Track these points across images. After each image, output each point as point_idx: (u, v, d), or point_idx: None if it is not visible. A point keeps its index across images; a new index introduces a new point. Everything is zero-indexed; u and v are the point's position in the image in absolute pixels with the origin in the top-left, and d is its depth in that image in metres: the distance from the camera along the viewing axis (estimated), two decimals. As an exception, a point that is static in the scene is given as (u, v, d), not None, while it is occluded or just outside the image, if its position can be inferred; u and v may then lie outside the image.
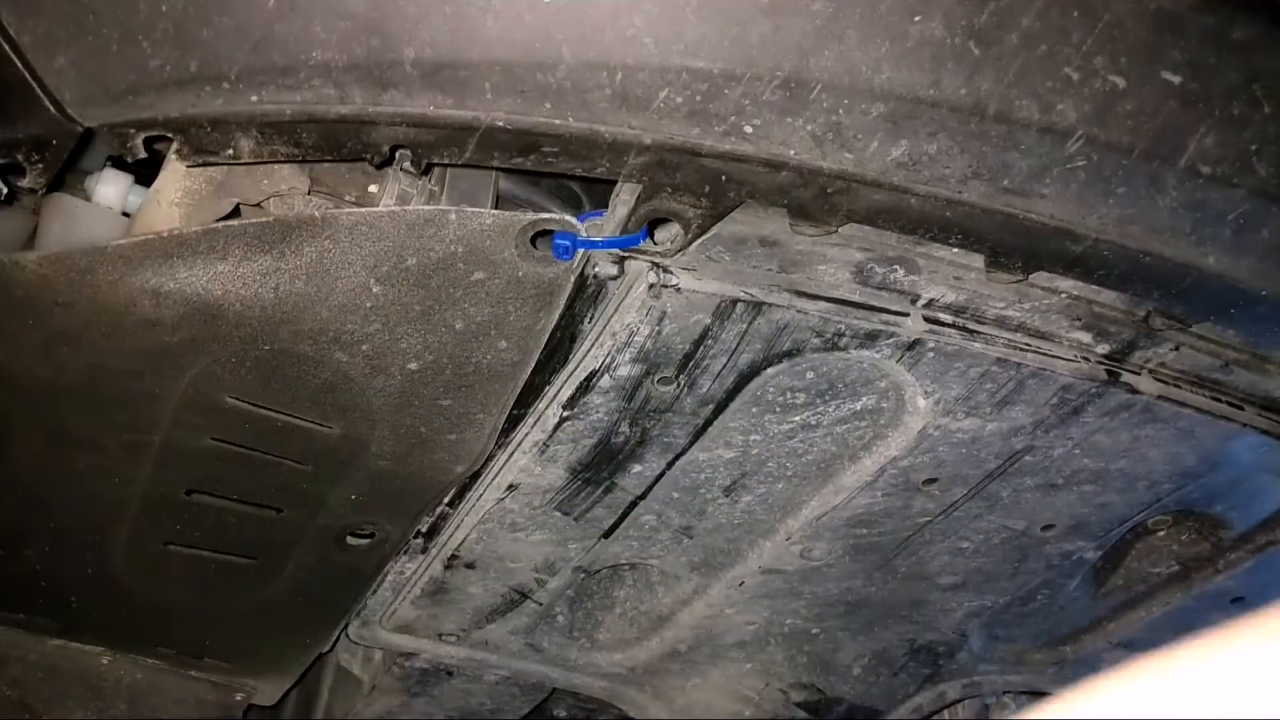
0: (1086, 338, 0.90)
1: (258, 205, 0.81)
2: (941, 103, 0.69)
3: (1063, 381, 0.89)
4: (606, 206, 0.79)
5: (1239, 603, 1.21)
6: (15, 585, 1.15)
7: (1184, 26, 0.70)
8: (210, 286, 0.77)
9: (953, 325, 0.86)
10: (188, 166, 0.76)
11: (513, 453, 0.97)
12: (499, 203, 0.87)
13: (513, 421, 0.94)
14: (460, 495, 1.04)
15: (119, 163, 0.82)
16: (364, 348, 0.83)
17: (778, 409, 0.92)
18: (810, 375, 0.89)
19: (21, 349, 0.81)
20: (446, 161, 0.74)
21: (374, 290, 0.79)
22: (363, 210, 0.78)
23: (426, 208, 0.78)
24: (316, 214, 0.76)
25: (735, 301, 0.80)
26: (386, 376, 0.86)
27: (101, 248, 0.75)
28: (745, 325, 0.82)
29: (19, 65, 0.65)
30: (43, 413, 0.89)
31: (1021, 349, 0.88)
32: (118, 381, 0.85)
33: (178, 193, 0.79)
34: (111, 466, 0.95)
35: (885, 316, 0.84)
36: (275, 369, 0.85)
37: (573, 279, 0.80)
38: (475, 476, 1.00)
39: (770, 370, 0.87)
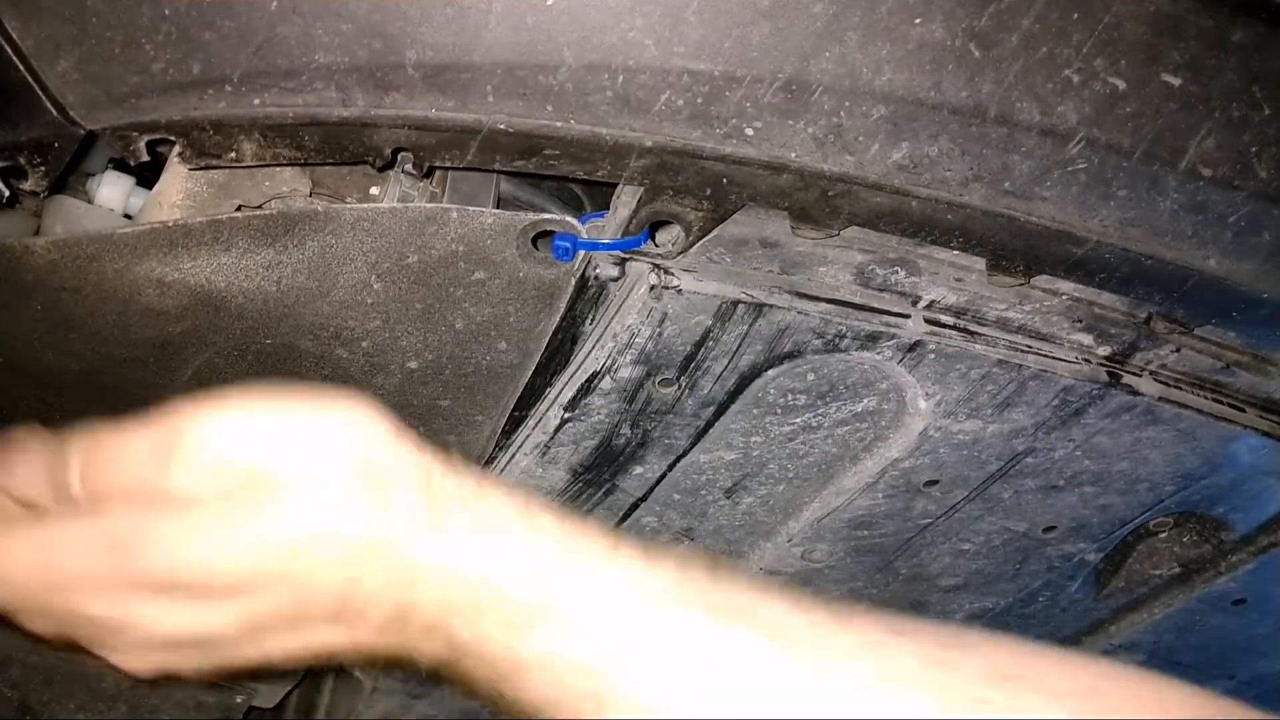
0: (1088, 339, 0.90)
1: (259, 208, 0.82)
2: (943, 105, 0.69)
3: (1064, 383, 0.89)
4: (608, 208, 0.79)
5: (1240, 605, 1.21)
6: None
7: (1184, 28, 0.70)
8: (214, 278, 0.77)
9: (954, 327, 0.86)
10: (190, 169, 0.76)
11: (514, 454, 0.97)
12: (500, 205, 0.87)
13: (514, 423, 0.94)
14: (461, 497, 1.04)
15: (121, 165, 0.83)
16: (364, 344, 0.84)
17: (779, 410, 0.92)
18: (811, 377, 0.89)
19: (29, 334, 0.82)
20: (448, 164, 0.74)
21: (375, 287, 0.79)
22: (365, 206, 0.78)
23: (429, 205, 0.78)
24: (319, 208, 0.77)
25: (736, 303, 0.80)
26: (386, 375, 0.87)
27: (108, 234, 0.75)
28: (746, 327, 0.82)
29: (21, 69, 0.65)
30: (48, 402, 0.89)
31: (1023, 351, 0.88)
32: (122, 371, 0.85)
33: (179, 195, 0.79)
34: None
35: (886, 318, 0.84)
36: (277, 364, 0.85)
37: (573, 281, 0.80)
38: (476, 478, 1.01)
39: (771, 372, 0.87)
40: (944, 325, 0.86)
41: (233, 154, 0.71)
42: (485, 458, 0.97)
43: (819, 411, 0.93)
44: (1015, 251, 0.80)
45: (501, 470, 0.99)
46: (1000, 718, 0.48)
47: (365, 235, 0.76)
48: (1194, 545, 1.17)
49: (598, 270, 0.80)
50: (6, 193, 0.74)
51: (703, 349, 0.84)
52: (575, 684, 0.49)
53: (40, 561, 0.51)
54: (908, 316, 0.85)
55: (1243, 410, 0.96)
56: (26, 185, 0.72)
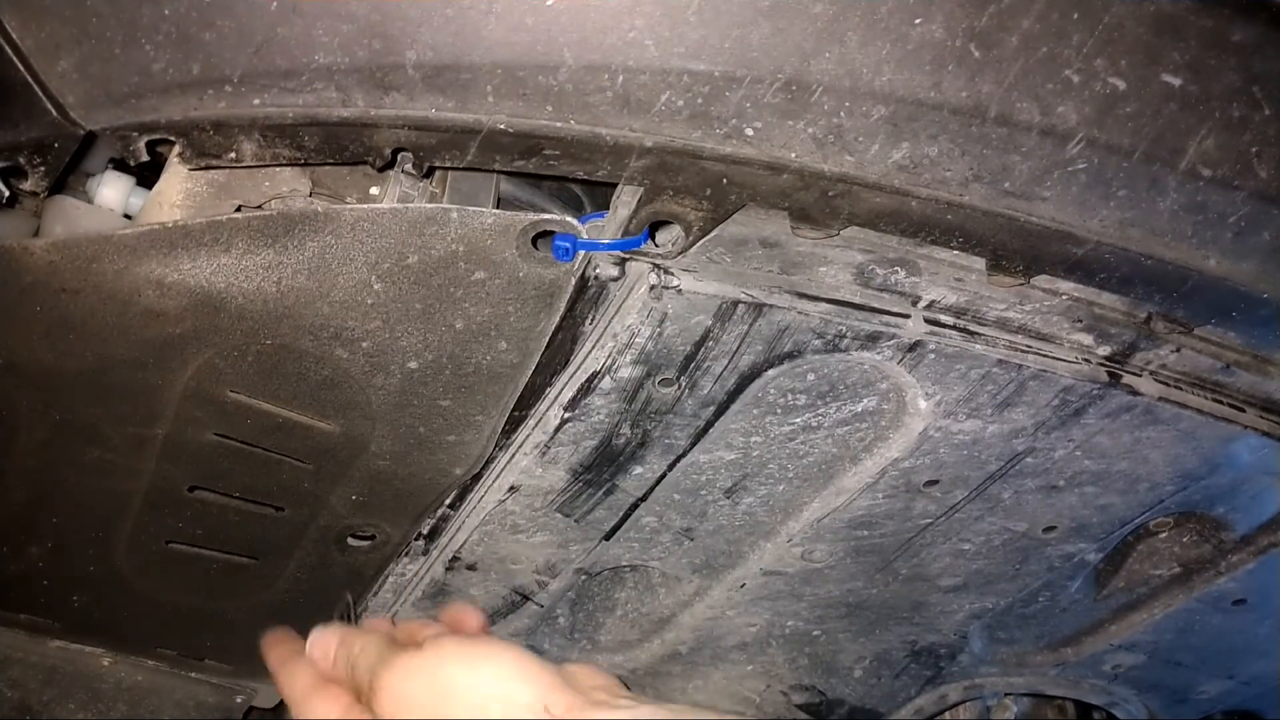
0: (1088, 339, 0.90)
1: (259, 208, 0.82)
2: (943, 105, 0.69)
3: (1064, 383, 0.89)
4: (608, 208, 0.79)
5: (1240, 605, 1.21)
6: (18, 584, 1.15)
7: (1184, 29, 0.70)
8: (213, 279, 0.77)
9: (954, 327, 0.86)
10: (190, 169, 0.76)
11: (514, 454, 0.97)
12: (500, 205, 0.87)
13: (514, 423, 0.94)
14: (462, 497, 1.04)
15: (121, 165, 0.83)
16: (364, 345, 0.84)
17: (779, 411, 0.92)
18: (811, 377, 0.89)
19: (29, 336, 0.82)
20: (448, 164, 0.74)
21: (375, 287, 0.79)
22: (365, 207, 0.78)
23: (429, 205, 0.78)
24: (319, 209, 0.77)
25: (736, 303, 0.80)
26: (386, 375, 0.87)
27: (108, 236, 0.75)
28: (746, 327, 0.82)
29: (21, 69, 0.65)
30: (49, 402, 0.90)
31: (1023, 351, 0.88)
32: (122, 372, 0.85)
33: (179, 195, 0.79)
34: (116, 460, 0.95)
35: (886, 318, 0.84)
36: (277, 364, 0.85)
37: (573, 280, 0.80)
38: (477, 478, 1.01)
39: (771, 372, 0.88)
40: (944, 325, 0.86)
41: (233, 154, 0.71)
42: (485, 457, 0.97)
43: (819, 411, 0.93)
44: (1015, 251, 0.80)
45: (502, 470, 0.99)
46: None
47: (365, 236, 0.76)
48: (1194, 545, 1.17)
49: (598, 270, 0.80)
50: (6, 193, 0.74)
51: (703, 349, 0.84)
52: None
53: None
54: (908, 316, 0.85)
55: (1243, 410, 0.96)
56: (26, 185, 0.72)
